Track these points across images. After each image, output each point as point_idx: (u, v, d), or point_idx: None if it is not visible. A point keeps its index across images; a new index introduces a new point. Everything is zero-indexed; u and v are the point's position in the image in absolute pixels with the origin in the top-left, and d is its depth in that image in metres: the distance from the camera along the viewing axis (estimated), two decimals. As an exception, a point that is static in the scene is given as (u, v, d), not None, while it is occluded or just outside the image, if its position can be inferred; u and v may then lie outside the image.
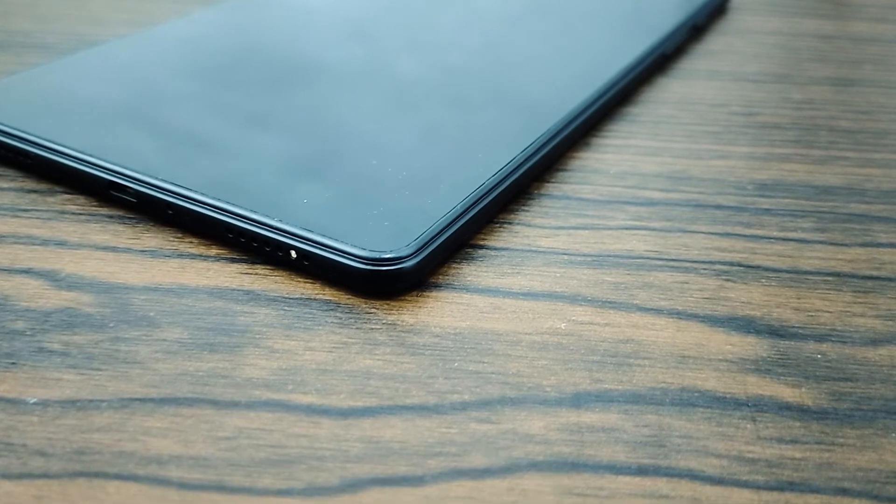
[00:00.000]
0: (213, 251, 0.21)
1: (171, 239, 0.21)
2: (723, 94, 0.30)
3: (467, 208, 0.21)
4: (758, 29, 0.36)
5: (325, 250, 0.19)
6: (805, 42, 0.35)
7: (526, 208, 0.23)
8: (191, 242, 0.21)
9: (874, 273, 0.21)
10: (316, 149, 0.23)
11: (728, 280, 0.21)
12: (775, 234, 0.23)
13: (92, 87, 0.26)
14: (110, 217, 0.22)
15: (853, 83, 0.32)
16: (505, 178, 0.22)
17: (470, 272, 0.20)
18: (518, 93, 0.27)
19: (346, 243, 0.19)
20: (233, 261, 0.20)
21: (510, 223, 0.22)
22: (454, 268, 0.21)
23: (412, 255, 0.19)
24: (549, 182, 0.24)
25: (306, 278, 0.20)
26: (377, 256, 0.19)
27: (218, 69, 0.27)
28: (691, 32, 0.34)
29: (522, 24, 0.32)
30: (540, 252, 0.21)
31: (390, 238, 0.19)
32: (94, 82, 0.26)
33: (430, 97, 0.26)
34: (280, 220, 0.20)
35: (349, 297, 0.19)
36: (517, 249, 0.21)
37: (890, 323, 0.19)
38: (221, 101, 0.25)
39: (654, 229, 0.22)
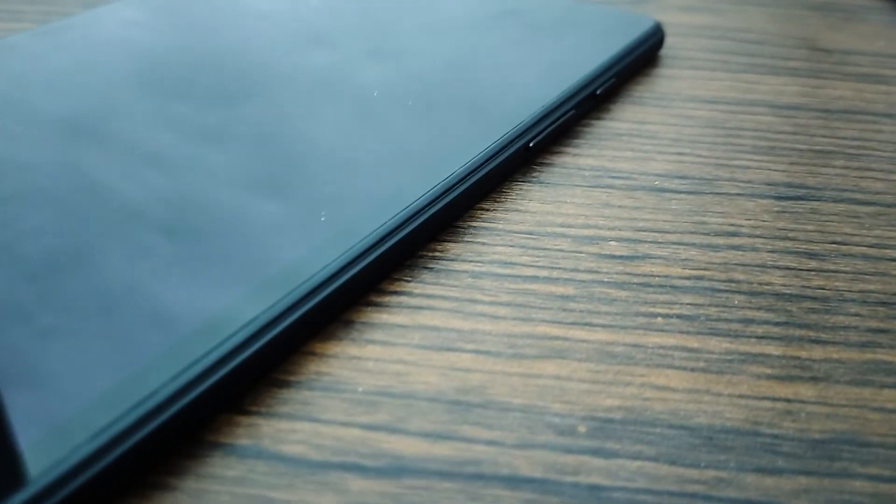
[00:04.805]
0: None
1: None
2: (600, 218, 0.20)
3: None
4: (691, 94, 0.26)
5: None
6: (753, 116, 0.25)
7: (174, 480, 0.13)
8: None
9: None
10: None
11: None
12: (588, 558, 0.13)
13: None
14: None
15: (808, 195, 0.21)
16: (126, 433, 0.13)
17: None
18: (245, 248, 0.17)
19: None
20: None
21: (123, 523, 0.13)
22: None
23: None
24: (245, 415, 0.15)
25: None
26: None
27: None
28: (589, 103, 0.24)
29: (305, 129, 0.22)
30: None
31: None
32: None
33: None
34: None
35: None
36: None
37: None
38: None
39: (371, 543, 0.13)
